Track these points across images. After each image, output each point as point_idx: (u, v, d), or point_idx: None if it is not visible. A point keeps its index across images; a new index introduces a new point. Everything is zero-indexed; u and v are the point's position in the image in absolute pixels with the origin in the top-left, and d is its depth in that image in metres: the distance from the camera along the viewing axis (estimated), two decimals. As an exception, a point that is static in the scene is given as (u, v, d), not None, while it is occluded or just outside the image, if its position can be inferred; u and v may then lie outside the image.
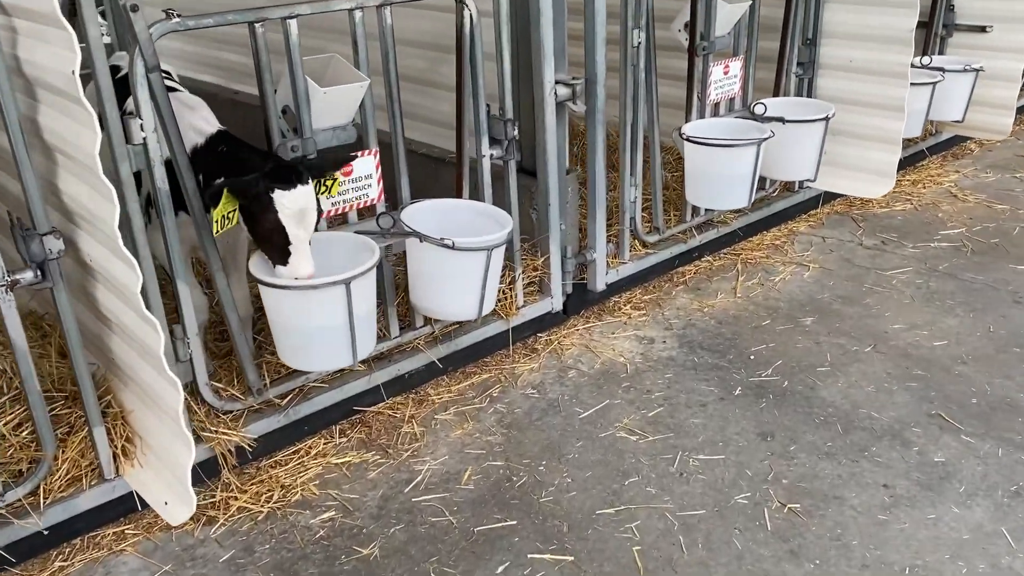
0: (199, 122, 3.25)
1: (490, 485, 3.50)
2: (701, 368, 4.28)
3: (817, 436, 3.74)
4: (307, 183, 3.08)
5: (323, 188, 3.26)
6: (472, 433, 3.83)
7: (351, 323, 3.12)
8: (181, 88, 3.68)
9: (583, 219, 4.72)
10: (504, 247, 3.64)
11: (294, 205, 3.02)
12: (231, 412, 3.45)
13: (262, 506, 3.38)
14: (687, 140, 4.67)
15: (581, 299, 4.77)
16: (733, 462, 3.59)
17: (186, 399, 3.23)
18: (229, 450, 3.40)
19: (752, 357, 4.37)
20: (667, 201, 5.33)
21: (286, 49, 3.20)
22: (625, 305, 4.90)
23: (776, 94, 5.42)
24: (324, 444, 3.76)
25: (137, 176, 2.99)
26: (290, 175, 3.04)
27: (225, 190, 2.93)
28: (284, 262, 3.08)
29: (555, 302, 4.52)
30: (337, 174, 3.30)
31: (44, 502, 2.98)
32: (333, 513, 3.37)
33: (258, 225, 3.06)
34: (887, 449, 3.64)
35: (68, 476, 3.12)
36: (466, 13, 3.70)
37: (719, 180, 4.69)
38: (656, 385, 4.15)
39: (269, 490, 3.46)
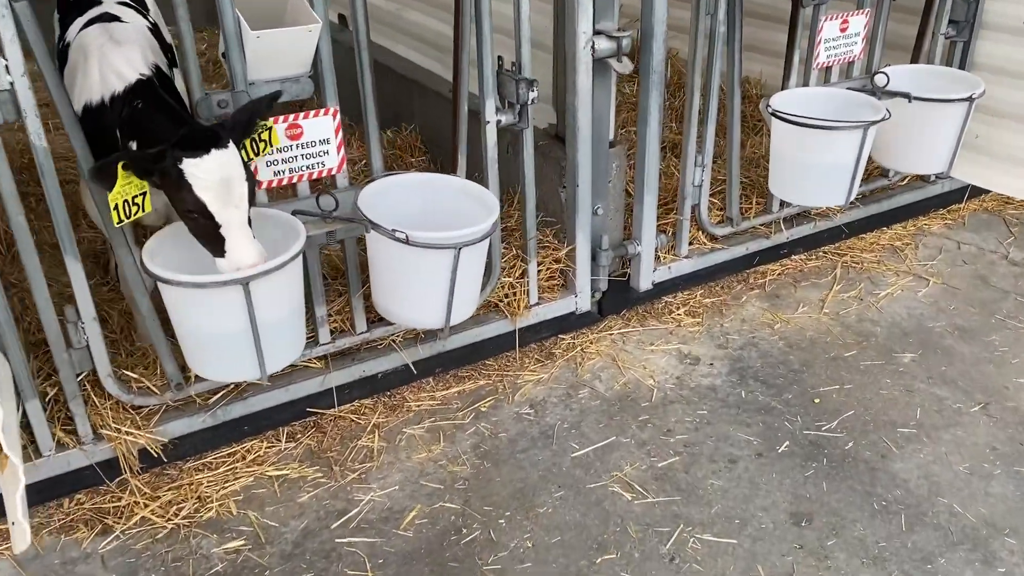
0: (121, 64, 2.67)
1: (433, 535, 2.86)
2: (746, 407, 3.41)
3: (869, 530, 2.84)
4: (225, 146, 2.46)
5: (254, 149, 2.63)
6: (438, 459, 3.18)
7: (255, 330, 2.51)
8: (125, 17, 3.10)
9: (631, 202, 3.86)
10: (486, 242, 2.90)
11: (210, 176, 2.41)
12: (144, 408, 2.95)
13: (167, 520, 2.89)
14: (774, 115, 3.68)
15: (622, 297, 3.96)
16: (745, 552, 2.78)
17: (84, 391, 2.79)
18: (134, 452, 2.92)
19: (817, 401, 3.45)
20: (748, 184, 4.36)
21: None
22: (678, 309, 4.04)
23: (915, 60, 4.27)
24: (266, 449, 3.22)
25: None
26: (201, 139, 2.43)
27: (119, 167, 2.34)
28: (220, 252, 2.49)
29: (580, 301, 3.74)
30: (269, 123, 2.64)
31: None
32: (242, 542, 2.84)
33: (178, 208, 2.49)
34: (961, 565, 2.71)
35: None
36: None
37: (810, 170, 3.70)
38: (681, 424, 3.34)
39: (182, 500, 2.97)
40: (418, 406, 3.44)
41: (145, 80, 2.66)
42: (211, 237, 2.49)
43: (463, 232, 2.76)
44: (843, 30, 3.83)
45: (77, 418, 2.80)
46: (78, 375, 2.78)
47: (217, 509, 2.95)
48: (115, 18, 3.02)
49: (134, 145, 2.59)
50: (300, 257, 2.63)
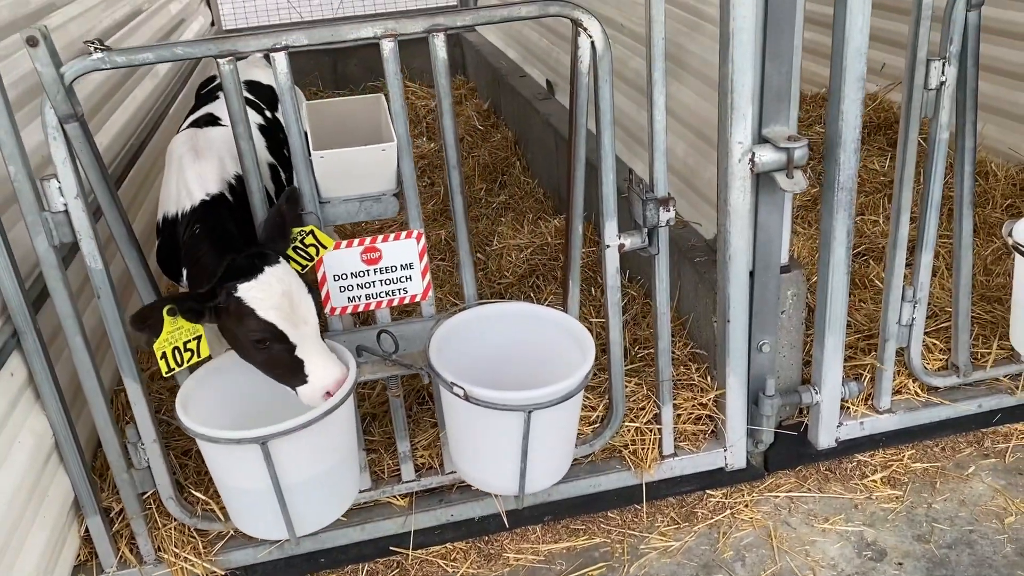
0: (192, 180, 2.54)
1: None
2: (933, 642, 2.54)
3: None
4: (276, 262, 2.25)
5: (304, 256, 2.36)
6: (516, 639, 2.69)
7: (278, 490, 2.21)
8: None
9: (810, 340, 3.10)
10: (574, 399, 2.38)
11: (271, 293, 2.21)
12: (210, 533, 2.78)
13: (215, 660, 2.70)
14: (1017, 249, 2.75)
15: (796, 452, 3.19)
16: None
17: (148, 509, 2.68)
18: (193, 579, 2.76)
19: (1043, 652, 2.48)
20: (983, 321, 3.36)
21: (277, 88, 2.30)
22: (874, 473, 3.19)
23: None
24: (341, 586, 2.93)
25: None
26: (249, 261, 2.24)
27: (164, 312, 2.17)
28: (302, 379, 2.27)
29: (731, 457, 3.05)
30: (308, 227, 2.36)
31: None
32: None
33: (246, 345, 2.28)
34: None
35: None
36: (583, 42, 2.40)
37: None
38: (833, 651, 2.55)
39: (241, 635, 2.77)
40: (517, 560, 2.97)
41: (208, 201, 2.48)
42: (287, 365, 2.28)
43: (537, 393, 2.27)
44: None
45: (139, 537, 2.69)
46: (142, 495, 2.67)
47: (267, 656, 2.70)
48: (215, 120, 2.92)
49: (184, 273, 2.42)
50: (347, 403, 2.29)
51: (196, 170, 2.57)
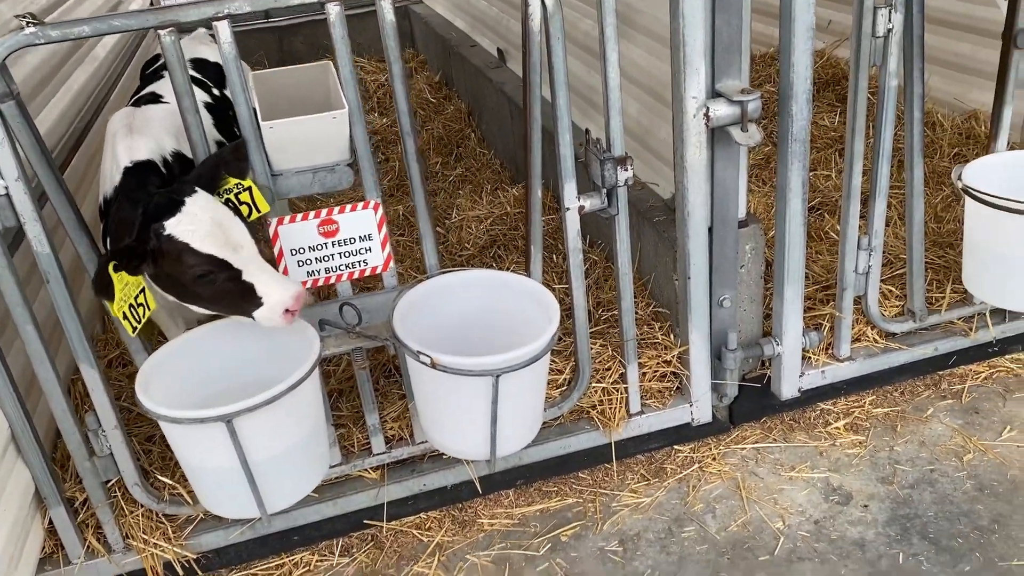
0: (122, 155, 2.46)
1: None
2: (901, 579, 2.61)
3: None
4: (194, 192, 2.20)
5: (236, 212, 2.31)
6: (494, 603, 2.71)
7: (246, 468, 2.18)
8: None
9: (770, 293, 3.13)
10: (541, 361, 2.38)
11: (200, 222, 2.16)
12: (177, 518, 2.74)
13: (190, 643, 2.67)
14: (967, 192, 2.80)
15: (760, 404, 3.24)
16: None
17: (114, 497, 2.63)
18: (166, 563, 2.72)
19: (1006, 580, 2.57)
20: (938, 266, 3.43)
21: (221, 58, 2.24)
22: (836, 420, 3.25)
23: None
24: (316, 562, 2.91)
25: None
26: (167, 198, 2.19)
27: (109, 268, 2.12)
28: (256, 303, 2.22)
29: (697, 411, 3.08)
30: (247, 182, 2.30)
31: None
32: None
33: (189, 283, 2.22)
34: None
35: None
36: (533, 0, 2.37)
37: (1019, 266, 2.77)
38: (805, 594, 2.61)
39: (214, 619, 2.74)
40: (491, 524, 2.98)
41: (132, 168, 2.41)
42: (237, 292, 2.22)
43: (504, 357, 2.26)
44: (1081, 72, 2.84)
45: (105, 526, 2.65)
46: (106, 482, 2.62)
47: (244, 636, 2.69)
48: (157, 99, 2.84)
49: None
50: (312, 377, 2.26)
51: (126, 144, 2.49)
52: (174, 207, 2.15)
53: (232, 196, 2.27)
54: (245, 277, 2.21)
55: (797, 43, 2.57)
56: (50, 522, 2.61)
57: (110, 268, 2.12)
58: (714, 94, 2.63)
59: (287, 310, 2.21)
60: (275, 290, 2.21)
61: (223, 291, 2.23)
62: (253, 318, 2.24)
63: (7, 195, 2.18)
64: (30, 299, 2.36)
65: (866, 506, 2.89)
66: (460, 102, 5.83)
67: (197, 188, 2.20)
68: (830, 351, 3.21)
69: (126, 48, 5.09)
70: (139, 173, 2.40)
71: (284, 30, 7.12)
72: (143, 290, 2.26)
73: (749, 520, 2.88)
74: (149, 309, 2.29)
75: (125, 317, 2.22)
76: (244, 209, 2.28)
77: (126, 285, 2.19)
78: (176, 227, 2.14)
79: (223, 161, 2.27)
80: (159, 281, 2.28)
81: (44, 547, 2.67)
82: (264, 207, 2.32)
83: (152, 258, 2.19)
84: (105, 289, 2.14)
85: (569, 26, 3.34)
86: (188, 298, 2.31)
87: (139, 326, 2.28)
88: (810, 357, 3.18)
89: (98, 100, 4.10)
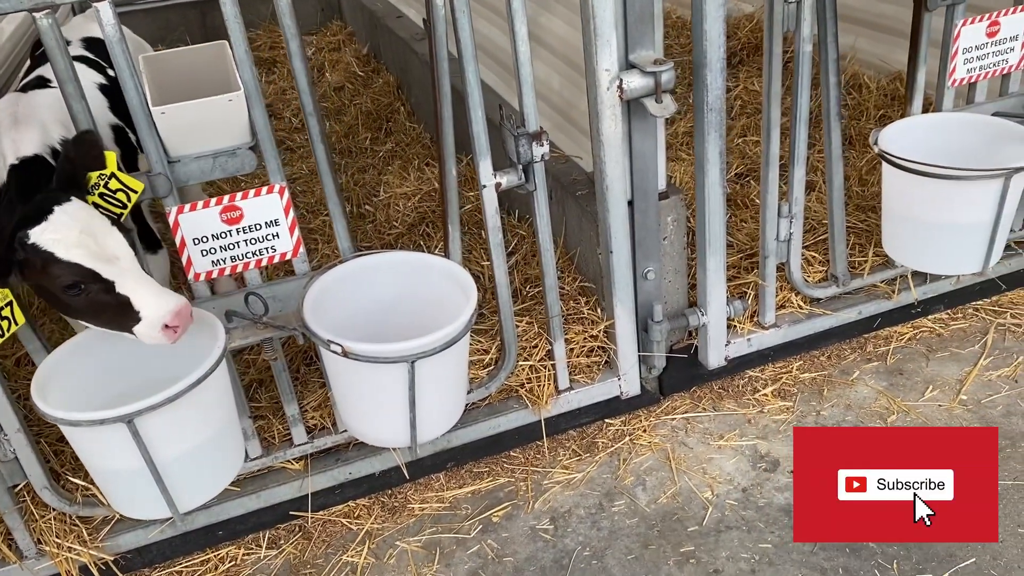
0: (7, 148, 2.33)
1: None
2: (828, 544, 2.64)
3: None
4: (67, 200, 2.06)
5: (115, 203, 2.19)
6: (425, 587, 2.68)
7: (152, 468, 2.10)
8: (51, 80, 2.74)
9: (694, 264, 3.12)
10: (459, 344, 2.33)
11: (67, 231, 2.02)
12: (92, 520, 2.65)
13: (114, 645, 2.60)
14: (883, 157, 2.80)
15: (689, 374, 3.24)
16: None
17: (23, 502, 2.53)
18: (82, 567, 2.64)
19: (925, 540, 2.61)
20: (859, 230, 3.45)
21: (106, 40, 2.12)
22: (764, 387, 3.27)
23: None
24: (243, 556, 2.85)
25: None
26: (36, 207, 2.04)
27: None
28: (134, 318, 2.08)
29: (625, 384, 3.07)
30: (108, 169, 2.17)
31: None
32: None
33: (60, 294, 2.08)
34: None
35: None
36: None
37: (933, 230, 2.80)
38: (734, 563, 2.63)
39: (139, 619, 2.67)
40: (421, 509, 2.95)
41: (18, 165, 2.28)
42: (112, 306, 2.08)
43: (418, 343, 2.21)
44: (991, 35, 2.85)
45: (15, 532, 2.55)
46: (13, 487, 2.52)
47: (169, 636, 2.62)
48: (45, 83, 2.70)
49: None
50: (219, 371, 2.19)
51: (12, 137, 2.36)
52: (41, 215, 2.01)
53: (102, 189, 2.14)
54: (119, 290, 2.06)
55: (709, 9, 2.54)
56: (-42, 531, 2.51)
57: None
58: (628, 65, 2.58)
59: (167, 325, 2.07)
60: (152, 304, 2.06)
61: (96, 304, 2.08)
62: (134, 334, 2.11)
63: None
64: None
65: (792, 472, 2.91)
66: (389, 75, 5.71)
67: (72, 197, 2.06)
68: (755, 319, 3.22)
69: (31, 31, 4.85)
70: (25, 171, 2.26)
71: (207, 4, 6.87)
72: (10, 303, 2.13)
73: (679, 491, 2.89)
74: (16, 324, 2.17)
75: None
76: (121, 196, 2.16)
77: None
78: (41, 235, 2.00)
79: (72, 162, 2.12)
80: (37, 293, 2.17)
81: (-49, 557, 2.57)
82: (139, 187, 2.19)
83: (19, 269, 2.05)
84: None
85: (485, -4, 3.27)
86: (66, 311, 2.18)
87: (0, 339, 2.15)
88: (736, 326, 3.18)
89: (1, 82, 3.90)
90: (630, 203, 2.79)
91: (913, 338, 3.42)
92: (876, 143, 2.82)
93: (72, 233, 2.01)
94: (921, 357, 3.34)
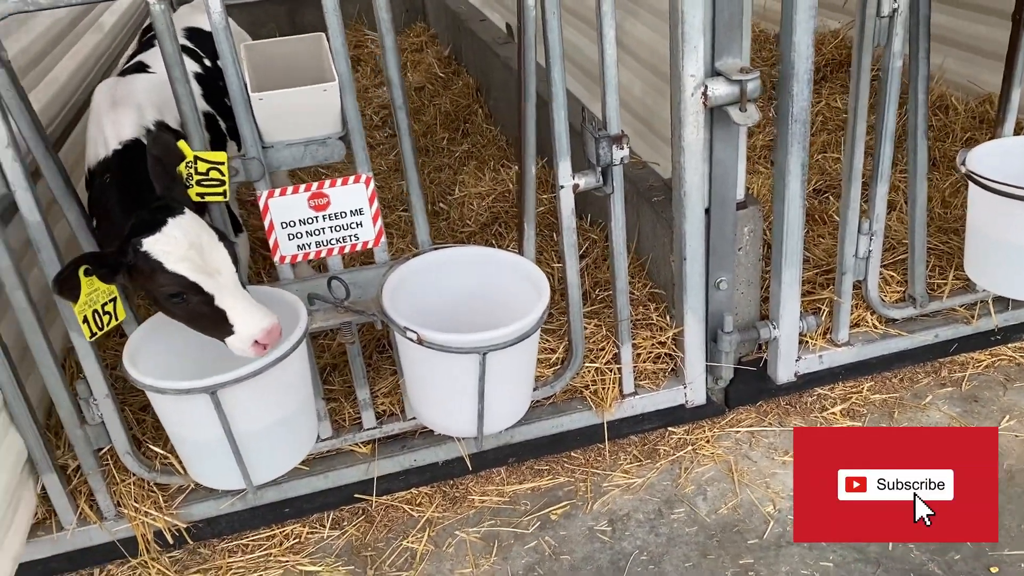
0: (108, 129, 2.46)
1: None
2: (892, 567, 2.60)
3: None
4: (181, 212, 2.18)
5: (211, 188, 2.30)
6: (481, 579, 2.72)
7: (231, 439, 2.19)
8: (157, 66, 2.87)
9: (767, 276, 3.10)
10: (530, 339, 2.37)
11: (177, 244, 2.14)
12: (168, 488, 2.76)
13: (181, 609, 2.71)
14: (970, 178, 2.75)
15: (757, 387, 3.22)
16: None
17: (105, 465, 2.65)
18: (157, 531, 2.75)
19: (995, 571, 2.55)
20: (940, 252, 3.38)
21: (211, 27, 2.23)
22: (833, 406, 3.22)
23: None
24: (307, 535, 2.93)
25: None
26: (152, 216, 2.17)
27: (80, 273, 2.11)
28: (227, 331, 2.19)
29: (691, 393, 3.07)
30: (188, 154, 2.26)
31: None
32: (245, 650, 2.58)
33: (163, 300, 2.21)
34: None
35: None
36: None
37: (1017, 252, 2.73)
38: (792, 579, 2.60)
39: (203, 588, 2.77)
40: (482, 502, 2.99)
41: (121, 150, 2.40)
42: (209, 317, 2.20)
43: (491, 335, 2.25)
44: (1093, 56, 2.77)
45: (97, 494, 2.67)
46: (98, 450, 2.64)
47: (233, 606, 2.71)
48: (143, 68, 2.83)
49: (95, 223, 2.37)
50: (299, 350, 2.26)
51: (112, 118, 2.48)
52: (156, 225, 2.13)
53: (196, 176, 2.24)
54: (218, 303, 2.17)
55: (799, 21, 2.53)
56: (43, 489, 2.64)
57: (81, 271, 2.12)
58: (713, 72, 2.59)
59: (257, 342, 2.17)
60: (247, 322, 2.16)
61: (195, 313, 2.20)
62: (225, 343, 2.21)
63: (-5, 161, 2.18)
64: (25, 269, 2.37)
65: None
66: (469, 77, 5.79)
67: (186, 210, 2.18)
68: (828, 336, 3.18)
69: (136, 15, 5.07)
70: (127, 156, 2.39)
71: (296, 1, 7.08)
72: (114, 299, 2.25)
73: (740, 503, 2.87)
74: (116, 319, 2.29)
75: (85, 320, 2.21)
76: (214, 174, 2.26)
77: (94, 291, 2.18)
78: (153, 245, 2.13)
79: (161, 161, 2.22)
80: (140, 291, 2.28)
81: (37, 513, 2.70)
82: (222, 157, 2.28)
83: (127, 271, 2.18)
84: (70, 290, 2.13)
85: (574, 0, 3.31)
86: (165, 313, 2.30)
87: (100, 332, 2.27)
88: (807, 341, 3.15)
89: (100, 74, 4.09)
90: (707, 211, 2.80)
91: (991, 366, 3.33)
92: (963, 163, 2.77)
93: (181, 246, 2.13)
94: (998, 385, 3.25)
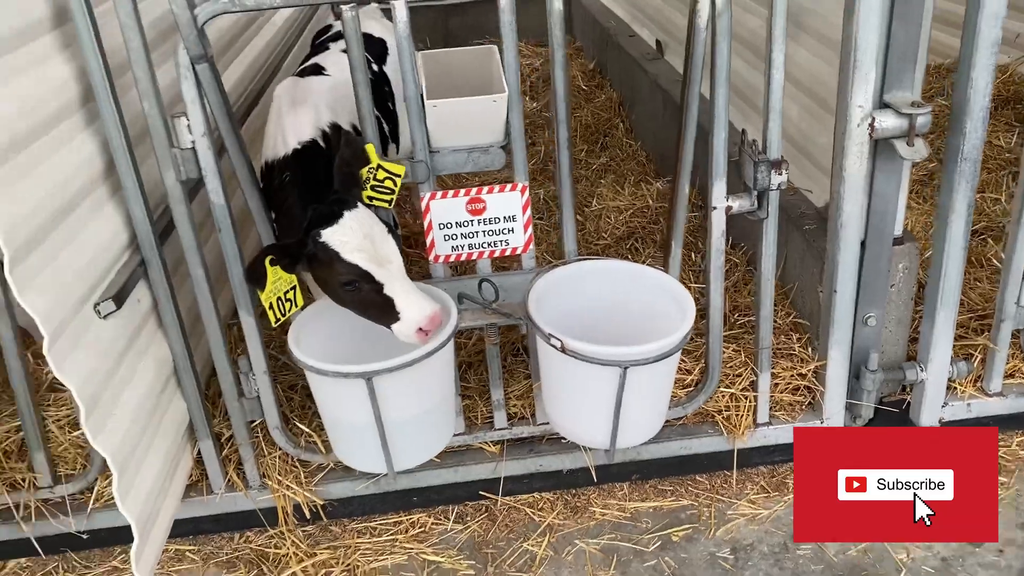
0: (288, 128, 2.62)
1: None
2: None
3: None
4: (355, 207, 2.34)
5: (384, 192, 2.42)
6: (600, 590, 2.74)
7: (380, 424, 2.30)
8: (332, 69, 3.03)
9: (918, 316, 2.99)
10: (671, 358, 2.38)
11: (353, 235, 2.30)
12: (309, 465, 2.91)
13: (308, 582, 2.84)
14: None
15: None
16: None
17: (255, 438, 2.83)
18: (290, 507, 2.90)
19: None
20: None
21: (396, 37, 2.35)
22: (977, 457, 3.07)
23: None
24: (432, 525, 3.03)
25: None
26: (330, 208, 2.33)
27: (267, 262, 2.28)
28: (394, 317, 2.35)
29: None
30: (373, 161, 2.40)
31: (92, 504, 2.85)
32: (365, 633, 2.68)
33: (336, 288, 2.38)
34: None
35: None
36: (703, -9, 2.36)
37: None
38: (923, 631, 2.50)
39: (334, 562, 2.89)
40: (603, 514, 3.01)
41: (299, 150, 2.56)
42: (378, 304, 2.35)
43: (634, 350, 2.28)
44: None
45: (245, 463, 2.84)
46: (251, 423, 2.82)
47: (358, 584, 2.83)
48: (319, 70, 2.99)
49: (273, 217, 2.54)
50: (448, 346, 2.36)
51: (291, 118, 2.66)
52: (333, 218, 2.29)
53: (372, 182, 2.39)
54: (387, 291, 2.32)
55: (979, 57, 2.44)
56: (199, 453, 2.83)
57: (267, 261, 2.28)
58: (882, 104, 2.53)
59: (420, 329, 2.30)
60: (412, 308, 2.31)
61: (365, 300, 2.36)
62: (391, 330, 2.35)
63: (193, 148, 2.37)
64: (201, 245, 2.56)
65: (1001, 551, 2.74)
66: (612, 91, 5.83)
67: (359, 204, 2.33)
68: (978, 384, 3.04)
69: (300, 18, 5.36)
70: (304, 156, 2.55)
71: (448, 10, 7.30)
72: (294, 287, 2.41)
73: (871, 547, 2.79)
74: (296, 306, 2.44)
75: (271, 307, 2.37)
76: (388, 184, 2.39)
77: (278, 279, 2.34)
78: (331, 236, 2.29)
79: (349, 163, 2.37)
80: (315, 279, 2.44)
81: (191, 475, 2.90)
82: (400, 170, 2.43)
83: (307, 260, 2.35)
84: (258, 279, 2.30)
85: (734, 22, 3.29)
86: (337, 301, 2.45)
87: (283, 319, 2.43)
88: (956, 387, 3.02)
89: (273, 64, 4.34)
90: (862, 244, 2.73)
91: None
92: None
93: (357, 237, 2.28)
94: None
